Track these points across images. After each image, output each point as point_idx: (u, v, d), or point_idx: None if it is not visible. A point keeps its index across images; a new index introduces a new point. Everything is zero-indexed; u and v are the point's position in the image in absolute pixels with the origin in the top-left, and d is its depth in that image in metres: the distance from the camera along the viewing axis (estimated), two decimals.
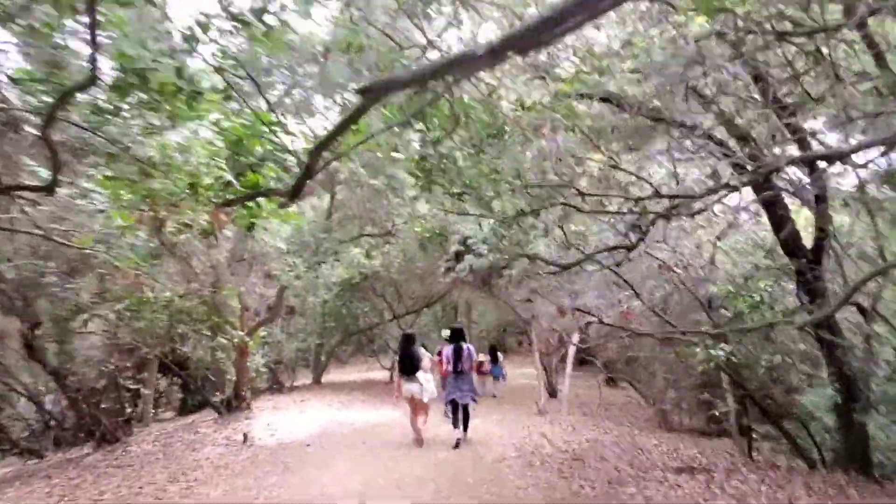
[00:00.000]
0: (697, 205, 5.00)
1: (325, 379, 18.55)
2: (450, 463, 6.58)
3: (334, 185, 11.22)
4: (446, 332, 9.17)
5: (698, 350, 6.02)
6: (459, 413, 7.51)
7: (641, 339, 9.40)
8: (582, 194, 5.06)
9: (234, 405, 11.57)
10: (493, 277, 9.08)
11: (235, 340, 11.04)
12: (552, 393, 13.80)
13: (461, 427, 7.49)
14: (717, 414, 8.75)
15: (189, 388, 13.29)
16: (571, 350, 10.55)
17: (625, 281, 6.95)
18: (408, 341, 8.13)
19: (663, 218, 5.37)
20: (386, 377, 18.47)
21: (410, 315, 18.71)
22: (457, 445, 7.31)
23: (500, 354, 15.52)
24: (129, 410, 10.94)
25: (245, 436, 8.62)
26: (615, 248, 5.50)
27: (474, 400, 7.71)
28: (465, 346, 7.75)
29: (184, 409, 14.60)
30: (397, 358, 8.50)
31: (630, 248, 5.11)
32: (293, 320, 17.95)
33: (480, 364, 12.63)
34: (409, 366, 7.68)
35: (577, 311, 6.85)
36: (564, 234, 6.23)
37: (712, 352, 5.88)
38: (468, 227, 9.34)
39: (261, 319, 12.09)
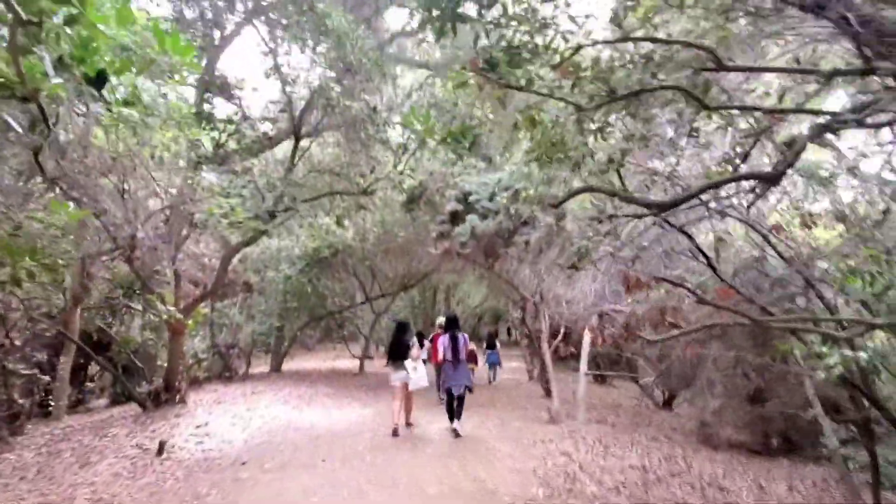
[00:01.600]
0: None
1: (285, 367, 16.25)
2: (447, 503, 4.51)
3: (299, 126, 8.89)
4: (441, 320, 9.39)
5: (823, 349, 3.99)
6: (455, 403, 7.34)
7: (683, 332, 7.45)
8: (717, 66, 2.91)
9: (163, 398, 9.24)
10: (501, 245, 7.03)
11: (166, 317, 8.71)
12: (548, 391, 11.85)
13: (457, 418, 7.32)
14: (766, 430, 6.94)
15: (119, 377, 10.89)
16: (586, 343, 8.56)
17: (697, 248, 4.92)
18: (400, 329, 7.96)
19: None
20: (355, 367, 16.28)
21: (384, 298, 16.52)
22: (456, 435, 7.15)
23: (497, 342, 14.00)
24: (21, 402, 8.50)
25: (161, 445, 6.36)
26: (748, 176, 3.39)
27: (469, 389, 7.48)
28: (460, 335, 7.57)
29: (116, 400, 12.19)
30: (388, 347, 8.07)
31: (772, 180, 3.05)
32: (251, 300, 15.61)
33: (471, 352, 10.83)
34: (399, 353, 7.62)
35: (661, 281, 4.83)
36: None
37: (849, 353, 3.85)
38: (471, 180, 7.25)
39: (201, 293, 9.73)
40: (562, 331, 14.19)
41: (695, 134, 3.72)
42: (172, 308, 8.72)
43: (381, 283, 16.12)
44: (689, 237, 4.90)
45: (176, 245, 9.18)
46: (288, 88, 8.67)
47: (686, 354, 7.90)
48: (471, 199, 7.02)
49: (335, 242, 12.91)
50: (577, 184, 4.42)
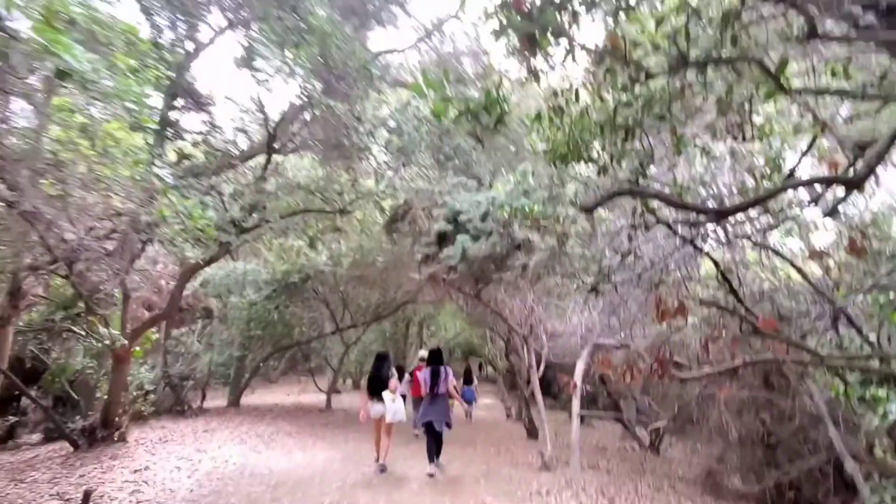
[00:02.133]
0: None
1: (245, 401, 14.97)
2: None
3: (274, 136, 8.16)
4: (423, 353, 9.31)
5: (878, 392, 3.47)
6: (433, 443, 7.02)
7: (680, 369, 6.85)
8: None
9: (99, 435, 8.08)
10: (494, 270, 6.36)
11: (107, 342, 7.66)
12: (531, 431, 11.05)
13: (436, 458, 6.98)
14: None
15: (47, 410, 9.59)
16: (578, 380, 7.87)
17: (721, 273, 4.34)
18: (380, 361, 7.77)
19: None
20: (321, 402, 15.12)
21: (355, 328, 15.53)
22: (430, 475, 6.78)
23: (474, 377, 13.27)
24: None
25: (87, 495, 5.29)
26: (826, 180, 2.86)
27: (448, 426, 7.13)
28: (442, 368, 7.25)
29: (50, 436, 10.78)
30: (367, 378, 7.82)
31: (855, 184, 2.50)
32: (211, 327, 14.43)
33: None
34: (378, 386, 7.38)
35: (708, 305, 4.17)
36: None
37: None
38: (462, 199, 6.64)
39: (152, 315, 8.69)
40: (541, 366, 13.51)
41: (740, 137, 3.19)
42: (116, 332, 7.71)
43: (353, 312, 15.18)
44: (714, 261, 4.33)
45: (129, 258, 8.22)
46: (264, 93, 8.01)
47: (687, 395, 7.28)
48: (461, 218, 6.38)
49: (306, 267, 12.03)
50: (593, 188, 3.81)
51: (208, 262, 8.40)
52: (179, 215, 4.96)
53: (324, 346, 15.62)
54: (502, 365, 16.56)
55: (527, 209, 4.91)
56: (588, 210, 3.49)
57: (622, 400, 12.88)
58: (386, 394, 7.24)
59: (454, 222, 6.50)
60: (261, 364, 14.65)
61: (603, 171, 3.19)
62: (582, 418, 17.09)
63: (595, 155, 3.16)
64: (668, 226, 3.63)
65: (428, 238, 7.01)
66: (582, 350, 8.34)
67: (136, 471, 6.59)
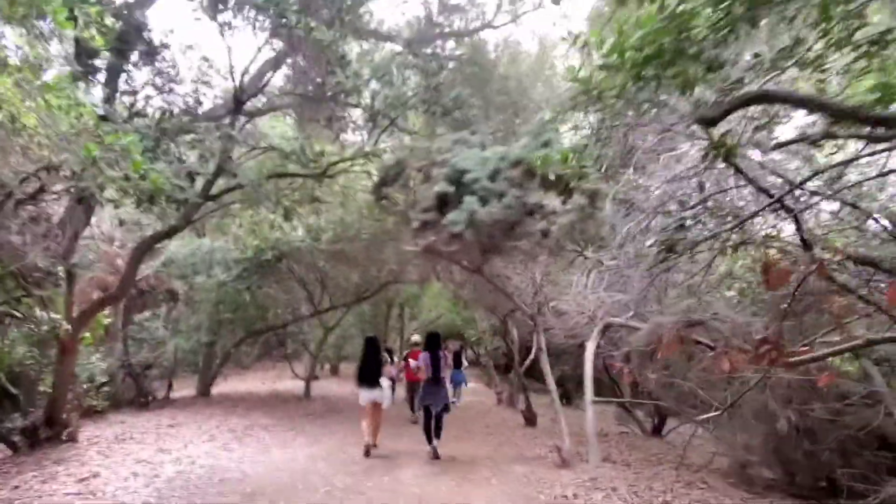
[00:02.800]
0: None
1: (216, 390, 13.87)
2: None
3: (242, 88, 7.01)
4: (416, 338, 10.03)
5: None
6: (432, 423, 7.11)
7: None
8: None
9: (42, 436, 6.97)
10: (505, 238, 5.45)
11: (47, 329, 6.52)
12: (530, 420, 10.32)
13: (435, 439, 7.08)
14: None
15: None
16: (588, 365, 7.08)
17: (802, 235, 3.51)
18: (371, 346, 7.56)
19: None
20: (299, 389, 14.12)
21: (334, 311, 14.48)
22: (435, 456, 6.96)
23: (464, 360, 12.55)
24: None
25: None
26: None
27: (447, 409, 7.22)
28: (441, 352, 7.24)
29: None
30: (358, 364, 7.59)
31: None
32: (177, 311, 13.20)
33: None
34: (371, 373, 7.27)
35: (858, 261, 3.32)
36: None
37: None
38: (467, 156, 5.70)
39: (101, 297, 7.53)
40: (536, 347, 12.76)
41: None
42: (58, 316, 6.57)
43: (332, 294, 14.12)
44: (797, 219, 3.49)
45: (72, 229, 7.04)
46: (232, 43, 6.86)
47: (713, 375, 6.54)
48: (466, 178, 5.44)
49: (280, 243, 10.92)
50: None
51: (167, 234, 7.25)
52: (115, 160, 3.85)
53: (301, 331, 14.53)
54: (491, 348, 15.79)
55: (558, 156, 3.98)
56: (708, 122, 2.60)
57: (621, 384, 12.28)
58: (383, 379, 7.24)
59: (457, 183, 5.55)
60: (231, 350, 13.51)
61: (712, 68, 2.27)
62: (569, 399, 16.56)
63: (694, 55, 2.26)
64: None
65: (426, 202, 6.04)
66: (593, 330, 7.56)
67: (82, 479, 5.54)
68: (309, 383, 13.85)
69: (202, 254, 11.71)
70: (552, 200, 4.98)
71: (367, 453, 6.96)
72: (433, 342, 7.28)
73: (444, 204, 5.80)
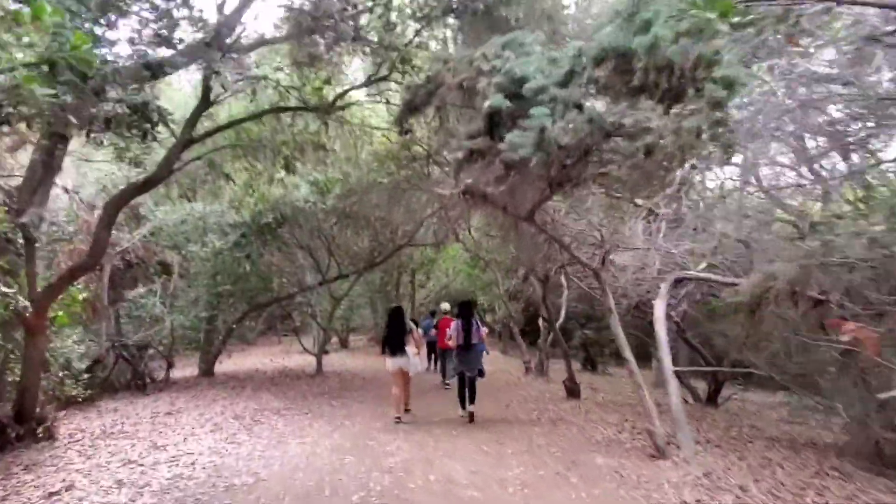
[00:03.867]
0: None
1: (219, 369, 12.79)
2: None
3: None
4: (445, 306, 10.13)
5: None
6: (464, 389, 7.30)
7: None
8: None
9: (12, 434, 5.82)
10: (587, 166, 4.11)
11: (11, 307, 5.28)
12: (572, 391, 9.20)
13: (469, 404, 7.22)
14: None
15: None
16: (661, 327, 5.83)
17: None
18: (396, 315, 7.59)
19: None
20: (310, 365, 13.03)
21: (342, 280, 13.21)
22: (471, 420, 7.14)
23: (483, 329, 11.49)
24: None
25: None
26: None
27: (481, 374, 7.38)
28: (473, 320, 7.37)
29: None
30: (384, 333, 7.61)
31: None
32: (172, 286, 11.96)
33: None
34: (397, 341, 7.29)
35: None
36: None
37: None
38: (524, 61, 4.34)
39: (69, 268, 6.25)
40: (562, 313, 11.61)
41: None
42: (11, 290, 5.32)
43: (340, 261, 12.84)
44: None
45: (29, 187, 5.74)
46: None
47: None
48: (527, 88, 4.08)
49: (281, 203, 9.59)
50: None
51: (144, 186, 5.91)
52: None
53: (308, 301, 13.32)
54: (508, 314, 14.59)
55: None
56: None
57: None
58: (409, 347, 7.29)
59: (515, 96, 4.20)
60: (233, 326, 12.33)
61: None
62: (593, 364, 15.42)
63: None
64: None
65: (470, 127, 4.69)
66: (660, 285, 6.31)
67: (52, 493, 4.38)
68: (320, 358, 12.73)
69: (194, 220, 10.39)
70: (652, 111, 3.63)
71: (398, 420, 7.10)
72: (466, 310, 7.44)
73: (495, 125, 4.47)
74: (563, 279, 9.70)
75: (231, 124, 5.69)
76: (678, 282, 6.41)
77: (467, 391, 7.23)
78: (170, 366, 11.45)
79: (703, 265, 6.67)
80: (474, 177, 4.84)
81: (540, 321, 13.44)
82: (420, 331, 8.16)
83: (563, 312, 11.85)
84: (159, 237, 10.84)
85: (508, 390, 10.30)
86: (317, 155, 7.78)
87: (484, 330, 7.46)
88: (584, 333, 16.07)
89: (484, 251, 12.39)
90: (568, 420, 7.03)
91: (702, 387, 10.01)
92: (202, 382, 11.30)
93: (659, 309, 6.02)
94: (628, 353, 5.32)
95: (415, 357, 7.38)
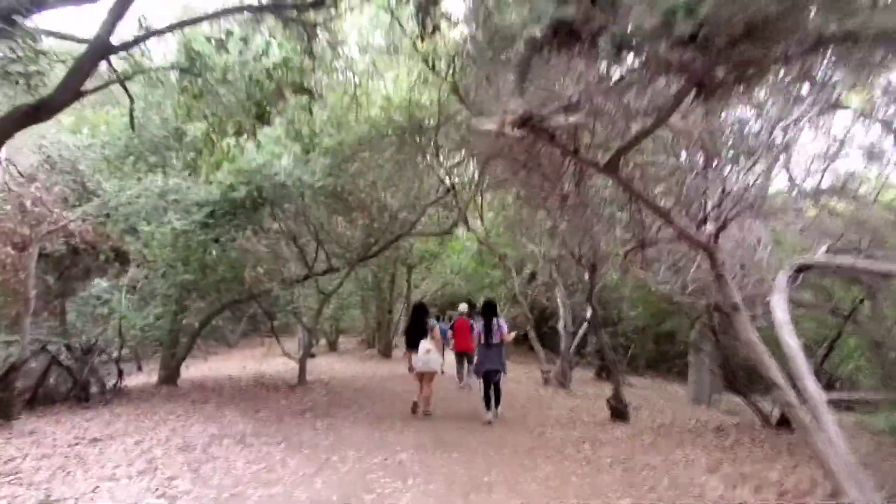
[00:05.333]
0: None
1: (187, 374, 10.86)
2: None
3: None
4: (463, 307, 9.92)
5: None
6: (489, 391, 7.35)
7: None
8: None
9: None
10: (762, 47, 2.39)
11: None
12: (619, 412, 7.39)
13: (493, 406, 7.34)
14: None
15: None
16: (789, 334, 4.03)
17: None
18: (419, 312, 8.06)
19: None
20: (291, 373, 11.09)
21: (334, 273, 11.28)
22: (489, 422, 7.16)
23: (507, 331, 10.03)
24: None
25: None
26: None
27: (504, 372, 7.54)
28: (496, 319, 7.50)
29: None
30: (406, 330, 7.89)
31: None
32: (127, 276, 9.98)
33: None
34: (419, 337, 7.59)
35: None
36: None
37: None
38: None
39: None
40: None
41: None
42: None
43: (330, 252, 10.93)
44: None
45: None
46: None
47: None
48: None
49: (258, 176, 7.68)
50: None
51: (36, 113, 3.93)
52: None
53: (292, 298, 11.37)
54: (528, 314, 12.77)
55: None
56: None
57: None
58: (423, 342, 7.48)
59: None
60: (199, 325, 10.39)
61: None
62: (608, 373, 13.61)
63: None
64: None
65: (533, 26, 2.84)
66: (777, 276, 4.48)
67: None
68: (303, 365, 10.80)
69: (151, 195, 8.45)
70: None
71: (413, 410, 7.58)
72: (488, 310, 7.65)
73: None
74: (619, 268, 7.85)
75: (172, 28, 3.82)
76: (799, 270, 4.59)
77: (493, 392, 7.32)
78: (120, 373, 9.48)
79: (824, 248, 4.88)
80: (544, 92, 2.99)
81: (560, 325, 11.68)
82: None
83: (588, 313, 10.12)
84: (116, 218, 8.86)
85: (533, 408, 8.50)
86: (301, 102, 5.90)
87: (507, 332, 7.53)
88: (605, 337, 14.38)
89: (502, 240, 10.58)
90: (640, 461, 5.18)
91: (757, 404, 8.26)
92: (159, 393, 9.37)
93: (780, 309, 4.18)
94: (777, 375, 3.48)
95: (427, 354, 7.46)
